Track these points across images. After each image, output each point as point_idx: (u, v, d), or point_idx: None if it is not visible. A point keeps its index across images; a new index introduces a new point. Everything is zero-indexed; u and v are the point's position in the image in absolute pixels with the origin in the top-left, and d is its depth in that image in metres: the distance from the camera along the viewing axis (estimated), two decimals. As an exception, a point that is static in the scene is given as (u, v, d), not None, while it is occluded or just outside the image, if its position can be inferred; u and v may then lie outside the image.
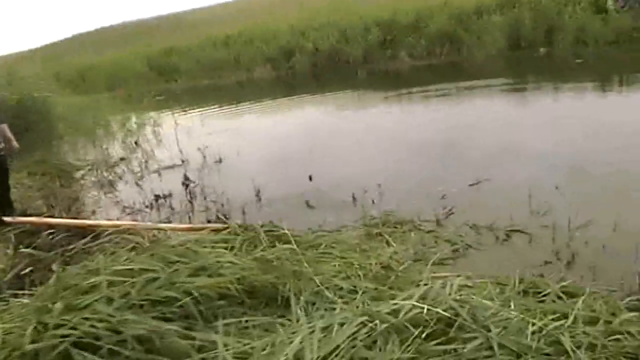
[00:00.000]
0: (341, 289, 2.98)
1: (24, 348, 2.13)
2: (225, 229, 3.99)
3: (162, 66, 22.09)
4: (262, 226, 3.82)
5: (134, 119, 12.23)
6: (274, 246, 3.53)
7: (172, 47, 22.35)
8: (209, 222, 4.98)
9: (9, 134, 5.30)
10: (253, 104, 14.48)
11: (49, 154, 8.23)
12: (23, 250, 4.30)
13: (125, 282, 2.41)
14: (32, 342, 2.16)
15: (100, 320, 2.20)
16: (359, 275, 3.23)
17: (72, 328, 2.18)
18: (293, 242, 3.51)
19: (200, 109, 14.62)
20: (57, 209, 5.88)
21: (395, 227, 4.41)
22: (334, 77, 15.72)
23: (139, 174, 7.99)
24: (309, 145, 8.17)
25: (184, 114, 13.61)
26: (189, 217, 5.69)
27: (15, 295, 2.95)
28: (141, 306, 2.31)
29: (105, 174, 8.27)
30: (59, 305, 2.26)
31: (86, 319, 2.21)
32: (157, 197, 6.46)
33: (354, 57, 16.60)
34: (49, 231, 4.33)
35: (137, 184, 7.42)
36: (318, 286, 2.91)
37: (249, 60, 19.35)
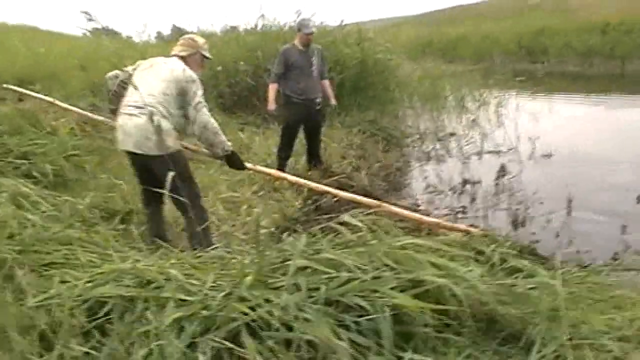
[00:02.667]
0: (610, 351, 2.13)
1: (206, 311, 2.00)
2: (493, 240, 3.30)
3: (531, 46, 21.14)
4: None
5: (479, 95, 11.80)
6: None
7: (544, 27, 21.05)
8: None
9: (329, 91, 5.50)
10: (623, 98, 12.53)
11: (382, 115, 8.44)
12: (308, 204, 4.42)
13: (327, 273, 2.08)
14: (219, 308, 2.02)
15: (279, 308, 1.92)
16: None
17: (251, 307, 1.95)
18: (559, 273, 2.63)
19: (559, 96, 13.42)
20: (363, 171, 5.94)
21: None
22: None
23: (464, 153, 7.66)
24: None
25: (538, 98, 12.62)
26: (487, 214, 5.12)
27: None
28: (328, 305, 1.94)
29: (431, 146, 8.15)
30: (249, 278, 2.06)
31: (267, 301, 1.96)
32: (464, 181, 6.08)
33: None
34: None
35: (460, 162, 7.11)
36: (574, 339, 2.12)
37: (624, 52, 17.23)
